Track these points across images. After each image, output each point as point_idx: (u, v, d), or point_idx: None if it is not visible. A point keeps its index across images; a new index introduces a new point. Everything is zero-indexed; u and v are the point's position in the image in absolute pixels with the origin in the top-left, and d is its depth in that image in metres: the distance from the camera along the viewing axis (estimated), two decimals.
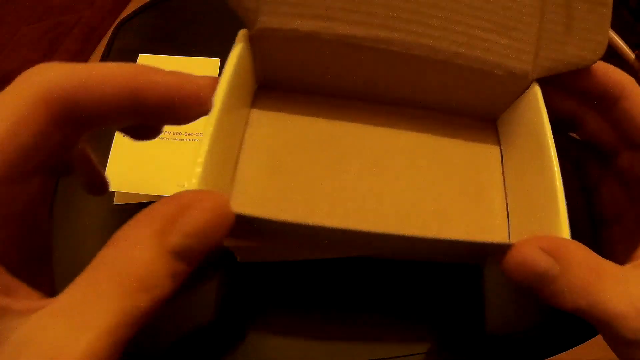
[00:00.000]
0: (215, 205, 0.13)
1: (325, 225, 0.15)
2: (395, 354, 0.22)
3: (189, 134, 0.29)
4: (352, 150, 0.21)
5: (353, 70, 0.20)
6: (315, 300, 0.23)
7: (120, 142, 0.29)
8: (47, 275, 0.15)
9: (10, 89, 0.13)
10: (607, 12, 0.18)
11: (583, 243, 0.15)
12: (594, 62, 0.19)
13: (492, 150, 0.22)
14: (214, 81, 0.16)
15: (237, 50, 0.19)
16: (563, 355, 0.23)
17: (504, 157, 0.21)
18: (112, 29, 0.38)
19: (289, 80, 0.22)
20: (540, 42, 0.19)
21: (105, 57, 0.35)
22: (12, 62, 1.11)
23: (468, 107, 0.22)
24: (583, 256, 0.15)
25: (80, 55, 1.15)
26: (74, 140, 0.15)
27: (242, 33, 0.19)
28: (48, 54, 1.13)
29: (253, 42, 0.19)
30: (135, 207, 0.26)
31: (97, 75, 0.14)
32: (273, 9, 0.19)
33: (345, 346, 0.22)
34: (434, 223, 0.19)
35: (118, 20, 0.38)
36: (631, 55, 0.31)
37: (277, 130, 0.21)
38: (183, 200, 0.13)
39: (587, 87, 0.20)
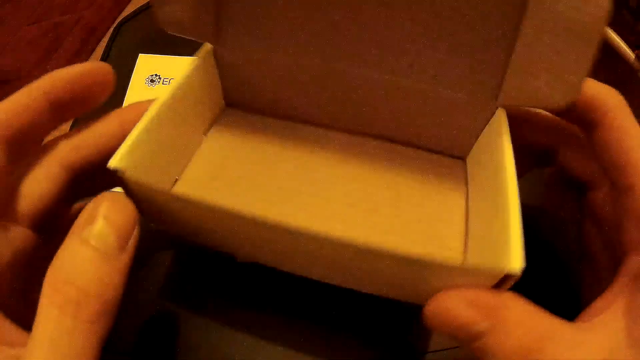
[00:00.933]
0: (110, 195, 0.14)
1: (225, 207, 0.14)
2: (395, 354, 0.22)
3: None
4: (299, 176, 0.20)
5: (315, 97, 0.20)
6: (314, 301, 0.23)
7: None
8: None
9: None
10: (589, 51, 0.15)
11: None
12: (561, 107, 0.16)
13: (457, 193, 0.20)
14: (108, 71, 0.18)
15: (196, 61, 0.20)
16: None
17: (469, 196, 0.20)
18: (112, 29, 0.38)
19: (253, 102, 0.22)
20: (509, 71, 0.17)
21: (105, 57, 0.35)
22: (12, 62, 1.11)
23: (435, 140, 0.21)
24: (522, 314, 0.14)
25: (80, 55, 1.15)
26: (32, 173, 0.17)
27: (205, 47, 0.20)
28: (48, 54, 1.13)
29: (216, 57, 0.20)
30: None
31: (14, 103, 0.16)
32: (233, 41, 0.20)
33: (345, 346, 0.22)
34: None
35: (118, 20, 0.38)
36: (631, 55, 0.31)
37: (231, 147, 0.21)
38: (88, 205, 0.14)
39: (564, 110, 0.17)
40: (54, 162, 0.17)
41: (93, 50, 1.17)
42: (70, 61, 1.13)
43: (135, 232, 0.15)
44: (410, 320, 0.22)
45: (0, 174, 0.15)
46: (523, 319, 0.14)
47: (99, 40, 1.19)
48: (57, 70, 0.17)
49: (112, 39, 0.36)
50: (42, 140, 0.17)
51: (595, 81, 0.17)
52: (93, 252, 0.13)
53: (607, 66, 0.29)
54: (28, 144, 0.16)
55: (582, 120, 0.17)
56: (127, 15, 0.38)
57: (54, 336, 0.12)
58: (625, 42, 0.31)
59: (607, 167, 0.17)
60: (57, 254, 0.13)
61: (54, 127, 0.17)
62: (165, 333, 0.22)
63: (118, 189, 0.15)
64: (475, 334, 0.13)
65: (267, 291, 0.23)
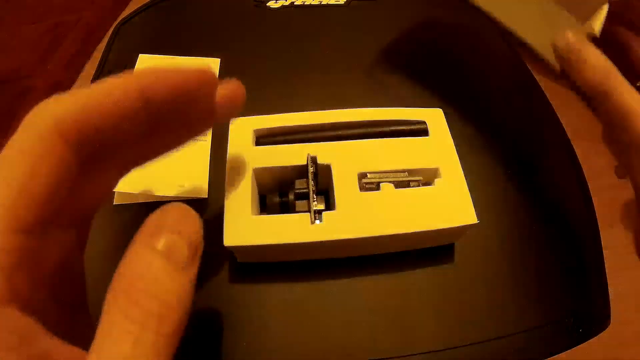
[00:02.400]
0: (182, 207, 0.14)
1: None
2: (395, 354, 0.22)
3: None
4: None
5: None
6: (314, 301, 0.23)
7: None
8: (85, 321, 0.15)
9: (20, 130, 0.12)
10: None
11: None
12: None
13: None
14: (213, 76, 0.16)
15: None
16: (563, 355, 0.23)
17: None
18: (112, 29, 0.38)
19: None
20: None
21: (105, 57, 0.35)
22: (12, 62, 1.11)
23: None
24: (603, 56, 0.21)
25: (81, 55, 1.15)
26: (99, 177, 0.15)
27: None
28: (48, 54, 1.13)
29: None
30: (135, 207, 0.26)
31: (101, 89, 0.14)
32: None
33: (345, 346, 0.22)
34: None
35: (118, 20, 0.38)
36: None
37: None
38: (157, 212, 0.13)
39: None
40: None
41: (93, 50, 1.17)
42: (70, 61, 1.13)
43: (202, 243, 0.14)
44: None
45: (62, 180, 0.13)
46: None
47: (99, 40, 1.19)
48: (156, 66, 0.14)
49: (112, 39, 0.36)
50: (134, 152, 0.15)
51: None
52: (170, 264, 0.12)
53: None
54: (111, 151, 0.14)
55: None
56: (127, 15, 0.38)
57: (136, 353, 0.11)
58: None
59: None
60: (124, 264, 0.12)
61: (145, 141, 0.15)
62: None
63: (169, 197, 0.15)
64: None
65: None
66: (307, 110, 0.26)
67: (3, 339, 0.11)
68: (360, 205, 0.22)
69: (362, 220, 0.22)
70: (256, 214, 0.23)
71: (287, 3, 0.39)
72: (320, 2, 0.39)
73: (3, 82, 1.06)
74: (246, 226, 0.22)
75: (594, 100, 0.23)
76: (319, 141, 0.25)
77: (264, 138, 0.25)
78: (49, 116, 0.13)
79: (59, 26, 1.20)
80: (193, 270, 0.13)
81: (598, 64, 0.22)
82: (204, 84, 0.16)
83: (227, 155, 0.24)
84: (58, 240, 0.13)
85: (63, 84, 1.09)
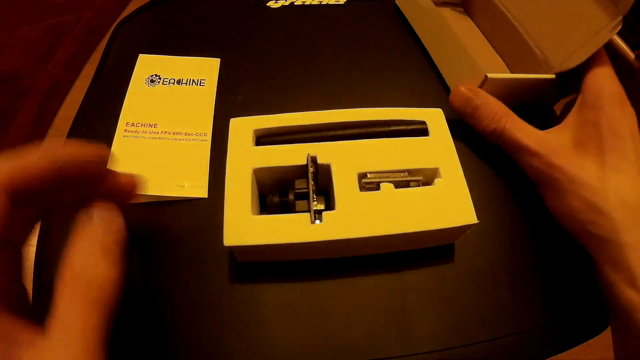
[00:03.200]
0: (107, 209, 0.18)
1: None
2: (395, 354, 0.22)
3: (188, 134, 0.30)
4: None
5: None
6: (314, 300, 0.23)
7: (120, 143, 0.29)
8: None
9: None
10: None
11: None
12: None
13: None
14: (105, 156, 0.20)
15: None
16: (563, 355, 0.23)
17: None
18: (112, 29, 0.38)
19: None
20: None
21: (105, 57, 0.35)
22: (12, 62, 1.11)
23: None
24: (494, 100, 0.27)
25: (81, 55, 1.15)
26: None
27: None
28: (48, 54, 1.13)
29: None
30: (136, 206, 0.26)
31: (30, 163, 0.17)
32: None
33: (345, 346, 0.22)
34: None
35: (118, 20, 0.38)
36: (631, 55, 0.31)
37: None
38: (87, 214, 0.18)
39: None
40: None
41: (93, 50, 1.17)
42: (70, 61, 1.13)
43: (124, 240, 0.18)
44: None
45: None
46: (494, 101, 0.28)
47: (99, 40, 1.19)
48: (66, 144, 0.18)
49: (112, 39, 0.36)
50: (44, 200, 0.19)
51: None
52: (107, 257, 0.17)
53: None
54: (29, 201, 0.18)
55: None
56: (127, 15, 0.38)
57: (78, 327, 0.15)
58: (625, 42, 0.31)
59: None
60: (69, 253, 0.16)
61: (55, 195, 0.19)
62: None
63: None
64: (474, 107, 0.28)
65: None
66: (307, 110, 0.26)
67: None
68: (360, 205, 0.22)
69: (362, 220, 0.22)
70: (256, 214, 0.23)
71: (287, 3, 0.39)
72: (320, 2, 0.39)
73: (3, 82, 1.06)
74: (246, 226, 0.22)
75: (492, 140, 0.28)
76: (319, 141, 0.25)
77: (264, 138, 0.25)
78: None
79: (59, 26, 1.20)
80: (121, 264, 0.17)
81: (489, 110, 0.27)
82: (100, 161, 0.20)
83: (227, 155, 0.24)
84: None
85: (63, 84, 1.10)
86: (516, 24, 0.32)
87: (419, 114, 0.26)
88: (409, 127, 0.26)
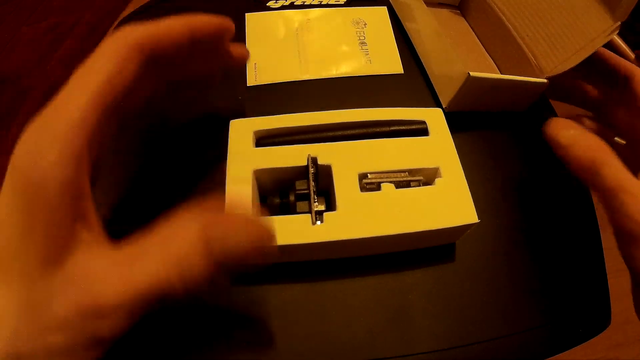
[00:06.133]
0: (261, 236, 0.16)
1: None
2: (395, 354, 0.22)
3: None
4: None
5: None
6: (314, 301, 0.23)
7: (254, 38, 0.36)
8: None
9: (106, 44, 0.17)
10: None
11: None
12: None
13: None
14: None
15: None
16: (563, 355, 0.23)
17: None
18: (112, 29, 0.37)
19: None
20: None
21: None
22: (12, 62, 1.11)
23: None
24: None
25: (81, 55, 1.15)
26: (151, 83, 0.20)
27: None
28: (48, 54, 1.13)
29: None
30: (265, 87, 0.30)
31: (165, 26, 0.19)
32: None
33: (345, 346, 0.22)
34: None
35: (118, 20, 0.38)
36: (631, 55, 0.31)
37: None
38: (232, 212, 0.18)
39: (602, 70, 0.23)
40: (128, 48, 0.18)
41: (93, 50, 1.17)
42: (70, 61, 1.13)
43: (251, 259, 0.17)
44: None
45: (127, 77, 0.17)
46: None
47: (99, 40, 1.19)
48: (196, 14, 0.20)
49: None
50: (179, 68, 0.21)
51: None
52: (204, 255, 0.15)
53: (607, 66, 0.29)
54: (164, 65, 0.19)
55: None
56: (127, 15, 0.38)
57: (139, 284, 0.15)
58: (625, 42, 0.31)
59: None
60: (177, 223, 0.16)
61: (189, 59, 0.21)
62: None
63: None
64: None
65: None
66: (307, 110, 0.26)
67: (63, 192, 0.14)
68: (361, 206, 0.22)
69: (363, 220, 0.22)
70: (257, 216, 0.23)
71: (287, 3, 0.39)
72: (320, 2, 0.39)
73: (3, 82, 1.06)
74: None
75: (586, 180, 0.21)
76: (320, 142, 0.25)
77: (264, 139, 0.25)
78: (131, 36, 0.18)
79: (59, 26, 1.20)
80: (221, 275, 0.16)
81: (587, 144, 0.21)
82: (225, 30, 0.22)
83: (227, 157, 0.24)
84: (109, 125, 0.18)
85: (63, 84, 1.09)
86: (510, 27, 0.32)
87: (418, 114, 0.26)
88: (409, 127, 0.26)
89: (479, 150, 0.29)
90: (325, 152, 0.24)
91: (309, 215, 0.22)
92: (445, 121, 0.26)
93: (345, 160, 0.24)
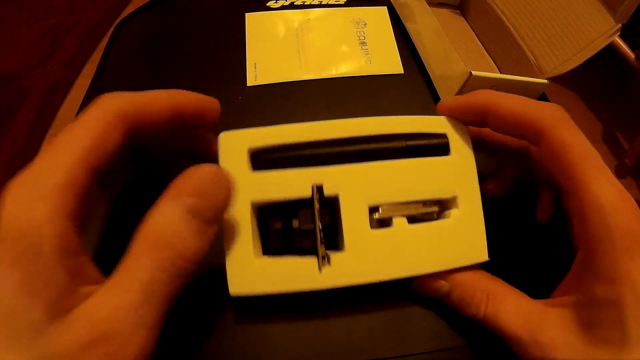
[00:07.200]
0: (213, 171, 0.17)
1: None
2: (395, 354, 0.22)
3: None
4: None
5: None
6: (314, 300, 0.23)
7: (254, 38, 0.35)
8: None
9: (92, 110, 0.17)
10: None
11: None
12: None
13: None
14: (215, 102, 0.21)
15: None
16: None
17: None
18: (112, 29, 0.38)
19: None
20: None
21: (105, 57, 0.35)
22: (12, 62, 1.11)
23: None
24: (468, 277, 0.21)
25: (81, 55, 1.16)
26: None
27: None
28: (48, 54, 1.13)
29: None
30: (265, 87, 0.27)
31: (151, 99, 0.18)
32: None
33: (345, 346, 0.22)
34: None
35: (118, 20, 0.38)
36: (631, 55, 0.31)
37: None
38: (189, 171, 0.16)
39: (506, 128, 0.20)
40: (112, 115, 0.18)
41: (93, 50, 1.18)
42: (70, 61, 1.13)
43: (226, 206, 0.17)
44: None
45: (114, 141, 0.17)
46: (469, 281, 0.21)
47: (99, 40, 1.20)
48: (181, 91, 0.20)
49: (112, 39, 0.36)
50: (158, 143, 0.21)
51: (535, 102, 0.20)
52: (192, 220, 0.16)
53: (607, 66, 0.29)
54: (145, 139, 0.19)
55: (527, 136, 0.20)
56: (127, 15, 0.38)
57: (145, 283, 0.14)
58: (625, 42, 0.31)
59: (554, 174, 0.19)
60: (150, 215, 0.15)
61: (170, 135, 0.20)
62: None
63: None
64: (445, 294, 0.22)
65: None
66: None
67: (58, 247, 0.14)
68: (371, 246, 0.21)
69: (373, 262, 0.21)
70: (259, 255, 0.21)
71: (287, 3, 0.39)
72: (320, 2, 0.39)
73: (3, 82, 1.06)
74: (250, 272, 0.20)
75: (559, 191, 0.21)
76: (325, 162, 0.21)
77: (261, 157, 0.21)
78: (113, 105, 0.17)
79: (59, 26, 1.20)
80: (211, 231, 0.16)
81: (464, 293, 0.21)
82: (210, 113, 0.21)
83: None
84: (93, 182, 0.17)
85: (63, 84, 1.10)
86: (511, 27, 0.32)
87: (438, 125, 0.22)
88: (429, 142, 0.22)
89: (478, 148, 0.29)
90: (331, 177, 0.21)
91: (314, 257, 0.20)
92: (469, 137, 0.22)
93: (354, 187, 0.21)
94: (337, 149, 0.22)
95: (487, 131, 0.22)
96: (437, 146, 0.22)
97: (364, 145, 0.22)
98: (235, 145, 0.21)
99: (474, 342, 0.22)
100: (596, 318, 0.17)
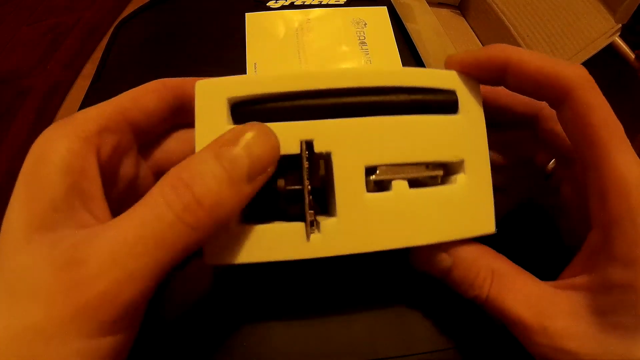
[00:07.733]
0: (257, 127, 0.16)
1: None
2: (395, 353, 0.22)
3: None
4: None
5: None
6: (314, 300, 0.23)
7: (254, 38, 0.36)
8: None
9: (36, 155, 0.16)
10: None
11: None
12: None
13: None
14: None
15: None
16: None
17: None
18: (112, 29, 0.38)
19: None
20: None
21: (105, 57, 0.35)
22: (12, 62, 1.11)
23: None
24: (473, 254, 0.19)
25: (81, 55, 1.15)
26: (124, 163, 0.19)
27: None
28: (48, 54, 1.13)
29: None
30: None
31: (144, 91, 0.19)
32: None
33: (345, 346, 0.22)
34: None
35: (118, 20, 0.38)
36: (631, 55, 0.31)
37: None
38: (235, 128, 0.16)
39: (529, 88, 0.18)
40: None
41: (93, 50, 1.18)
42: (70, 61, 1.13)
43: (270, 169, 0.16)
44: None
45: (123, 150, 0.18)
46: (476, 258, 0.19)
47: (99, 40, 1.19)
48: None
49: (112, 39, 0.36)
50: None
51: (561, 60, 0.17)
52: (222, 171, 0.14)
53: (607, 66, 0.29)
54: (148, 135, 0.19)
55: (550, 97, 0.18)
56: (127, 15, 0.38)
57: (148, 220, 0.13)
58: (625, 42, 0.31)
59: (573, 143, 0.17)
60: (188, 158, 0.15)
61: (167, 126, 0.20)
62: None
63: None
64: (446, 269, 0.20)
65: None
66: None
67: (65, 163, 0.14)
68: (366, 211, 0.18)
69: (368, 230, 0.18)
70: (239, 221, 0.18)
71: (287, 3, 0.39)
72: (320, 2, 0.39)
73: (3, 82, 1.06)
74: (229, 239, 0.18)
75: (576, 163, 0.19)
76: (317, 115, 0.18)
77: (243, 109, 0.19)
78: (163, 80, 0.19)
79: (59, 26, 1.20)
80: (246, 191, 0.15)
81: (466, 271, 0.19)
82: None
83: (195, 135, 0.18)
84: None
85: (63, 84, 1.10)
86: (511, 27, 0.32)
87: (447, 80, 0.20)
88: (435, 98, 0.20)
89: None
90: (324, 132, 0.18)
91: (303, 223, 0.18)
92: (480, 96, 0.20)
93: (349, 145, 0.18)
94: (331, 101, 0.19)
95: (502, 90, 0.20)
96: (444, 103, 0.19)
97: (362, 97, 0.19)
98: (213, 95, 0.18)
99: (474, 342, 0.22)
100: (610, 303, 0.15)
